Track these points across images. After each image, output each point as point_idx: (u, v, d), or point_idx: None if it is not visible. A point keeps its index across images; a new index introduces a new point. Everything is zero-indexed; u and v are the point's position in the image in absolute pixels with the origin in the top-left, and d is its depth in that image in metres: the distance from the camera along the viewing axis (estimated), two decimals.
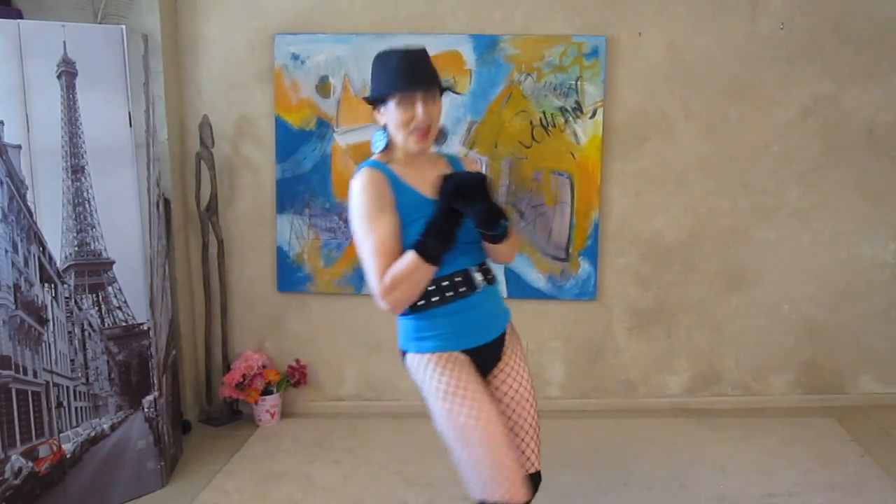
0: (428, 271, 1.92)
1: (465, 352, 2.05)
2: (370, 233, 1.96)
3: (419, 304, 2.02)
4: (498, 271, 3.78)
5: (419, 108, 1.98)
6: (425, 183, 2.00)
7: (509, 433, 2.06)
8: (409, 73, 1.98)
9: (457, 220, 1.91)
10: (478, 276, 2.06)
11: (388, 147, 2.06)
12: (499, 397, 2.12)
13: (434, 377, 2.01)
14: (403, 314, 2.07)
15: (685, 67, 3.71)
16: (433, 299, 2.02)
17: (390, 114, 2.00)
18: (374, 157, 2.07)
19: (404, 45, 2.08)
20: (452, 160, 2.22)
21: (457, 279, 2.03)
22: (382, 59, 2.03)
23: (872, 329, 3.92)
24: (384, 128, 2.05)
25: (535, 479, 2.12)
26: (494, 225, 1.96)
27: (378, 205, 1.97)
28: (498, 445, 1.95)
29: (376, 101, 2.04)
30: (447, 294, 2.02)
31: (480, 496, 1.97)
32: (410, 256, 1.91)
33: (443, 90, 2.06)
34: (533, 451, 2.12)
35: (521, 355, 2.18)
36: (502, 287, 3.81)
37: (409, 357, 2.08)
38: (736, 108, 3.75)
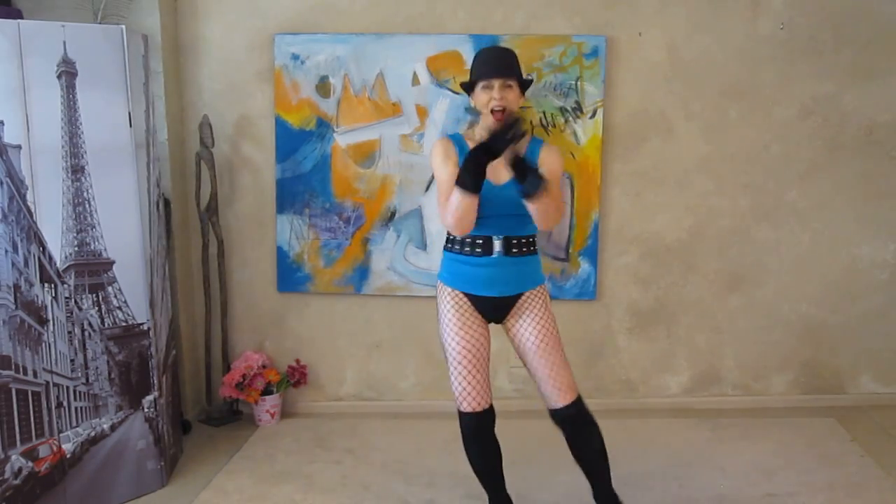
0: (466, 198, 2.36)
1: (468, 296, 2.60)
2: (438, 176, 2.53)
3: (452, 247, 2.60)
4: None
5: (496, 93, 2.46)
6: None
7: (531, 369, 2.63)
8: (491, 64, 2.50)
9: (483, 159, 2.31)
10: (497, 245, 2.54)
11: (471, 125, 2.65)
12: (511, 338, 2.69)
13: (442, 302, 2.63)
14: (445, 249, 2.63)
15: (685, 67, 3.71)
16: (458, 248, 2.58)
17: (476, 96, 2.52)
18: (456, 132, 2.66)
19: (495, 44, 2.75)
20: (533, 147, 2.60)
21: (479, 241, 2.54)
22: (477, 54, 2.59)
23: (872, 329, 3.92)
24: (474, 109, 2.58)
25: (557, 415, 2.60)
26: (522, 173, 2.32)
27: (443, 157, 2.51)
28: (464, 367, 2.55)
29: (469, 86, 2.55)
30: (466, 249, 2.56)
31: (457, 404, 2.57)
32: (454, 189, 2.37)
33: (522, 82, 2.53)
34: (553, 388, 2.58)
35: (537, 313, 2.63)
36: None
37: (439, 282, 2.66)
38: (736, 108, 3.75)
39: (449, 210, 2.42)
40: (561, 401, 2.59)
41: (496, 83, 2.47)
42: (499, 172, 2.47)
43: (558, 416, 2.61)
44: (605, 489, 2.71)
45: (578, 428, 2.63)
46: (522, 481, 3.18)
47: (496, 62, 2.51)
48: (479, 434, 2.60)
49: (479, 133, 2.53)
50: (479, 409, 2.56)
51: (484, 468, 2.68)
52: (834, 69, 3.71)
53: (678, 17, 3.67)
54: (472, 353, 2.57)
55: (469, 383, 2.56)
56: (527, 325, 2.63)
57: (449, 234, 2.62)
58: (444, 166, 2.50)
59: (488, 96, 2.48)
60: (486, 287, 2.58)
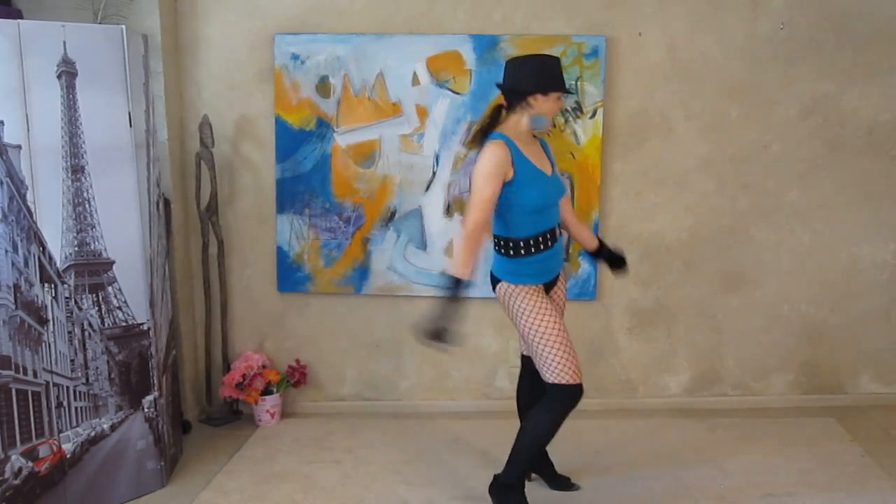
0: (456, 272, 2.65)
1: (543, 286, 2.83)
2: (480, 189, 2.64)
3: (521, 253, 2.75)
4: None
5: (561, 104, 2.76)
6: (535, 156, 2.74)
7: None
8: (563, 78, 2.71)
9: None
10: (557, 233, 2.83)
11: (511, 124, 2.72)
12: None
13: (523, 299, 2.76)
14: (507, 255, 2.79)
15: (685, 67, 3.71)
16: (533, 250, 2.76)
17: (542, 103, 2.67)
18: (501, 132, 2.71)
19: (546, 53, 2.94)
20: (542, 141, 2.91)
21: (548, 235, 2.78)
22: (546, 62, 2.70)
23: (872, 329, 3.92)
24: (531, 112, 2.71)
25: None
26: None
27: (494, 173, 2.63)
28: (568, 344, 2.72)
29: (537, 91, 2.67)
30: (541, 247, 2.76)
31: (555, 381, 2.69)
32: (459, 263, 2.64)
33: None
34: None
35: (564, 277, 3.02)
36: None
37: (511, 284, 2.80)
38: (736, 108, 3.75)
39: (470, 232, 2.63)
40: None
41: (562, 95, 2.73)
42: (544, 163, 2.78)
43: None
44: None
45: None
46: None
47: (563, 76, 2.73)
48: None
49: (526, 127, 2.72)
50: (580, 381, 2.74)
51: (545, 444, 2.85)
52: (834, 69, 3.71)
53: (678, 17, 3.68)
54: (567, 333, 2.76)
55: (575, 358, 2.73)
56: (561, 295, 2.98)
57: (511, 241, 2.75)
58: (488, 184, 2.62)
59: (558, 107, 2.72)
60: (554, 270, 2.87)
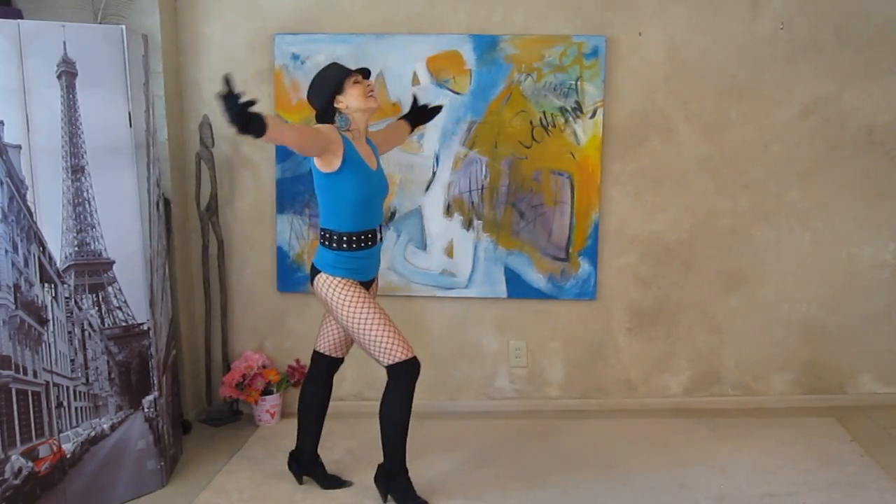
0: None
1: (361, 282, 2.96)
2: (306, 130, 2.75)
3: (342, 246, 2.88)
4: (497, 271, 3.80)
5: (368, 82, 2.96)
6: (364, 153, 2.91)
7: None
8: (341, 66, 2.94)
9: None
10: (378, 235, 2.98)
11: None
12: None
13: (341, 291, 2.89)
14: (331, 248, 2.91)
15: (685, 67, 3.71)
16: (354, 246, 2.89)
17: (351, 96, 2.86)
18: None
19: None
20: (372, 144, 3.04)
21: (370, 235, 2.93)
22: (318, 78, 2.91)
23: (872, 329, 3.92)
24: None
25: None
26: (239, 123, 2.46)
27: (322, 134, 2.75)
28: (389, 324, 2.88)
29: (332, 96, 2.86)
30: (362, 244, 2.91)
31: (390, 361, 2.85)
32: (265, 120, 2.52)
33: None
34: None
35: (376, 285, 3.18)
36: (501, 287, 3.83)
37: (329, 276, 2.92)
38: (736, 108, 3.75)
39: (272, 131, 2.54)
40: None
41: (360, 77, 2.90)
42: (371, 158, 2.93)
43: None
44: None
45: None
46: (520, 481, 3.18)
47: (344, 65, 2.93)
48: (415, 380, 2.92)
49: (355, 134, 2.90)
50: (414, 354, 2.90)
51: (408, 424, 2.95)
52: (834, 69, 3.71)
53: (678, 17, 3.68)
54: (385, 316, 2.90)
55: (401, 335, 2.89)
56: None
57: (335, 234, 2.88)
58: (313, 134, 2.72)
59: (360, 90, 2.86)
60: (370, 272, 3.03)
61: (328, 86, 2.84)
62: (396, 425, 2.93)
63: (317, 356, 3.19)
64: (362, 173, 2.85)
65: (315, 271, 2.94)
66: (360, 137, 2.92)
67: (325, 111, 2.86)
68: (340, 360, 3.22)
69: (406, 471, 3.00)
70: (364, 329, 2.86)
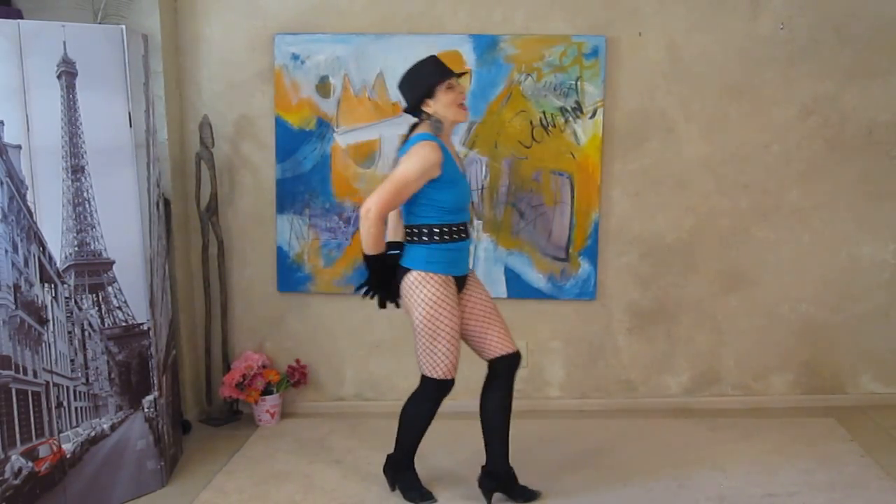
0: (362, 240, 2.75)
1: (454, 278, 2.87)
2: (404, 176, 2.69)
3: (441, 238, 2.80)
4: (497, 271, 3.81)
5: (461, 88, 2.85)
6: (456, 157, 2.87)
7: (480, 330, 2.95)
8: (444, 66, 2.86)
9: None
10: (471, 229, 2.99)
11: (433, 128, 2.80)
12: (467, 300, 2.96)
13: (428, 288, 2.81)
14: (425, 244, 2.82)
15: (685, 67, 3.71)
16: (447, 237, 2.81)
17: (441, 101, 2.77)
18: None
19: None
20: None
21: (462, 227, 2.85)
22: (413, 71, 2.86)
23: (872, 329, 3.92)
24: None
25: (514, 358, 2.95)
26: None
27: (424, 168, 2.68)
28: (456, 340, 2.85)
29: (424, 95, 2.81)
30: (455, 236, 2.82)
31: (429, 374, 2.87)
32: (376, 241, 2.73)
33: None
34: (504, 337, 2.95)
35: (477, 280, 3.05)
36: (501, 287, 3.83)
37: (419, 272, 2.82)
38: (736, 108, 3.75)
39: (365, 224, 2.68)
40: (512, 345, 3.00)
41: (455, 82, 2.79)
42: (459, 159, 2.89)
43: (515, 358, 3.00)
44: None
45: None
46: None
47: (445, 65, 2.82)
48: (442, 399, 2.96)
49: (447, 139, 2.85)
50: (453, 377, 2.91)
51: (425, 429, 3.01)
52: (834, 69, 3.71)
53: (678, 17, 3.68)
54: (458, 330, 2.87)
55: (456, 355, 2.87)
56: (483, 296, 3.02)
57: (434, 227, 2.79)
58: (414, 180, 2.69)
59: (451, 97, 2.76)
60: (463, 267, 2.92)
61: (418, 88, 2.77)
62: (414, 425, 2.98)
63: (494, 363, 2.96)
64: (457, 177, 2.80)
65: (403, 272, 2.83)
66: (448, 138, 2.87)
67: (414, 109, 2.82)
68: (516, 354, 2.97)
69: (412, 465, 3.05)
70: (430, 332, 2.81)
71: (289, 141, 3.77)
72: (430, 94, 2.75)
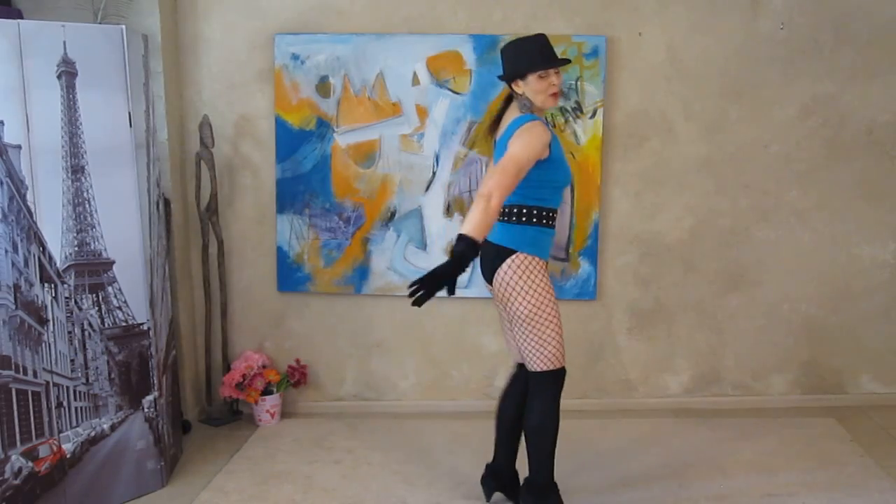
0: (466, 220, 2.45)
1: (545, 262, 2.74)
2: (524, 153, 2.53)
3: (537, 221, 2.68)
4: None
5: (555, 79, 2.65)
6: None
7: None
8: (547, 54, 2.66)
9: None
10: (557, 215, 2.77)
11: (523, 107, 2.68)
12: None
13: (531, 273, 2.65)
14: (522, 223, 2.68)
15: (685, 67, 3.71)
16: (543, 221, 2.69)
17: (532, 86, 2.63)
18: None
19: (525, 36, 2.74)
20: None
21: (553, 213, 2.73)
22: (519, 45, 2.68)
23: (872, 329, 3.92)
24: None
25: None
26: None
27: (541, 144, 2.57)
28: (560, 327, 2.70)
29: (513, 77, 2.68)
30: (545, 221, 2.70)
31: (544, 368, 2.68)
32: (475, 222, 2.39)
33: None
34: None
35: None
36: None
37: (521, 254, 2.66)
38: (736, 108, 3.75)
39: (495, 196, 2.43)
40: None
41: (552, 71, 2.64)
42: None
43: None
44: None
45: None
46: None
47: (550, 51, 2.67)
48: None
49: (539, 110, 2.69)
50: (564, 364, 2.74)
51: (557, 434, 2.77)
52: (834, 69, 3.71)
53: (678, 17, 3.68)
54: (560, 316, 2.72)
55: (562, 343, 2.72)
56: None
57: (541, 209, 2.67)
58: (534, 156, 2.55)
59: (545, 85, 2.62)
60: (548, 253, 2.78)
61: (513, 68, 2.66)
62: (546, 435, 2.73)
63: (521, 367, 2.89)
64: (562, 157, 2.72)
65: (505, 254, 2.64)
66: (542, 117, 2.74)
67: (507, 82, 2.72)
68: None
69: (555, 485, 2.81)
70: (539, 323, 2.64)
71: (289, 141, 3.77)
72: (522, 76, 2.64)
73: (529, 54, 2.63)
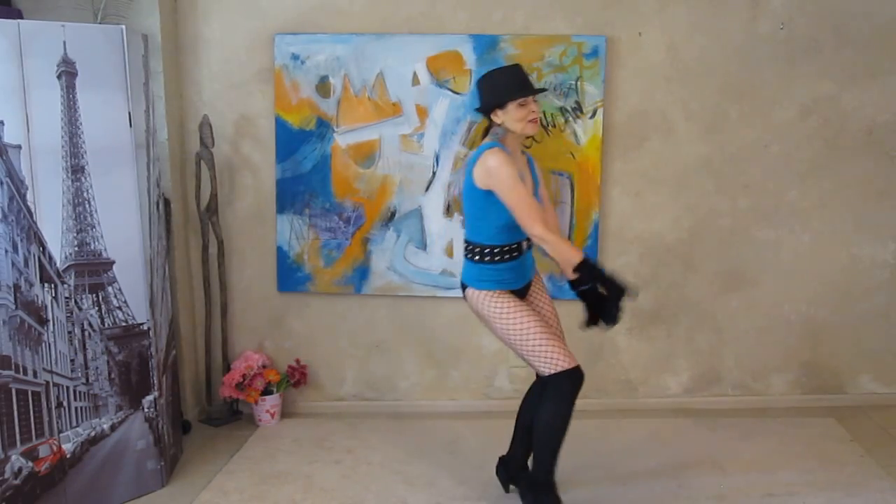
0: (561, 259, 2.74)
1: (513, 291, 2.83)
2: (518, 195, 2.65)
3: (491, 259, 2.77)
4: None
5: (534, 106, 2.73)
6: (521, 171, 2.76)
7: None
8: (524, 83, 2.73)
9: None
10: (524, 245, 2.83)
11: (493, 134, 2.78)
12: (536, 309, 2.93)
13: (495, 303, 2.78)
14: (478, 262, 2.80)
15: (685, 67, 3.71)
16: (497, 258, 2.78)
17: (510, 114, 2.70)
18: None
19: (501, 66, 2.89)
20: (529, 158, 2.95)
21: (514, 247, 2.79)
22: (493, 77, 2.75)
23: (872, 329, 3.92)
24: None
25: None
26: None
27: (516, 175, 2.66)
28: (546, 334, 2.77)
29: (494, 106, 2.73)
30: (506, 256, 2.78)
31: (553, 371, 2.72)
32: (570, 250, 2.73)
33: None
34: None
35: (542, 286, 3.04)
36: None
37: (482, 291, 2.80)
38: (736, 108, 3.75)
39: (545, 241, 2.66)
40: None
41: (530, 99, 2.72)
42: (526, 172, 2.81)
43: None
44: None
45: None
46: None
47: (528, 79, 2.77)
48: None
49: (511, 144, 2.77)
50: (577, 363, 2.78)
51: (564, 436, 2.81)
52: (834, 69, 3.71)
53: (678, 17, 3.68)
54: (544, 324, 2.81)
55: (560, 342, 2.81)
56: (544, 301, 3.02)
57: (478, 247, 2.78)
58: (518, 185, 2.65)
59: (523, 114, 2.70)
60: (522, 279, 2.87)
61: (491, 98, 2.73)
62: (554, 436, 2.76)
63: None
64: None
65: (464, 286, 2.85)
66: (516, 150, 2.79)
67: (484, 114, 2.79)
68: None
69: (554, 485, 2.83)
70: (522, 339, 2.74)
71: (289, 141, 3.77)
72: (502, 105, 2.71)
73: (508, 84, 2.72)
